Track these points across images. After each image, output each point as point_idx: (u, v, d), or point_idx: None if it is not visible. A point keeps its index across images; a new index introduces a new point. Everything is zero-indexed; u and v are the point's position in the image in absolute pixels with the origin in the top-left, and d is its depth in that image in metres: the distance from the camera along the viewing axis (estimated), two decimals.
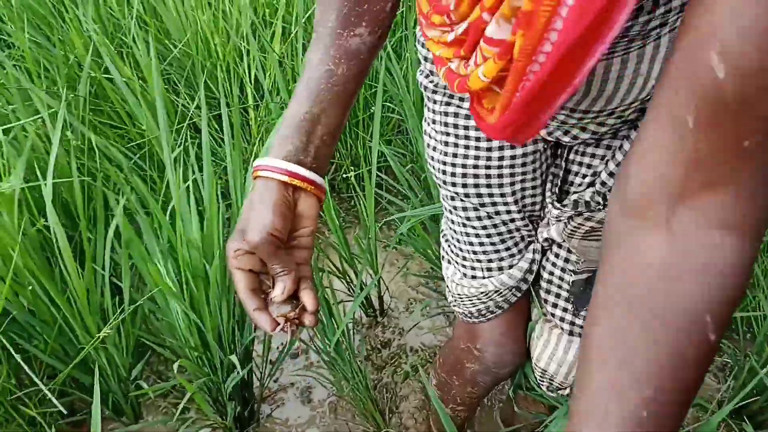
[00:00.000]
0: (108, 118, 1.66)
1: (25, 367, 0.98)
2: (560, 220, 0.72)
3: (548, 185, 0.74)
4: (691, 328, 0.36)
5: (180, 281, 1.09)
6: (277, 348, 1.44)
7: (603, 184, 0.67)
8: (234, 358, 1.05)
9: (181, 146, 1.19)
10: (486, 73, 0.42)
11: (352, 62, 0.57)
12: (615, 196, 0.41)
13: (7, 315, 1.09)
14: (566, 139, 0.67)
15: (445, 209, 0.80)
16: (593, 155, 0.70)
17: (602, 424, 0.37)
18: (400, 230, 1.34)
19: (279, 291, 0.55)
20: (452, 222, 0.80)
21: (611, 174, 0.66)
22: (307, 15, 1.80)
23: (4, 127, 1.26)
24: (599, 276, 0.41)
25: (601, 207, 0.68)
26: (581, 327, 0.80)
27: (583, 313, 0.80)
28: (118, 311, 1.11)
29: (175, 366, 0.96)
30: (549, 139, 0.69)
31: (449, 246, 0.84)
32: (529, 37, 0.37)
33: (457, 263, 0.84)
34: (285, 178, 0.55)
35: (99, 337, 0.99)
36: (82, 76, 1.51)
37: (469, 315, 0.87)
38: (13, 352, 0.97)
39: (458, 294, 0.86)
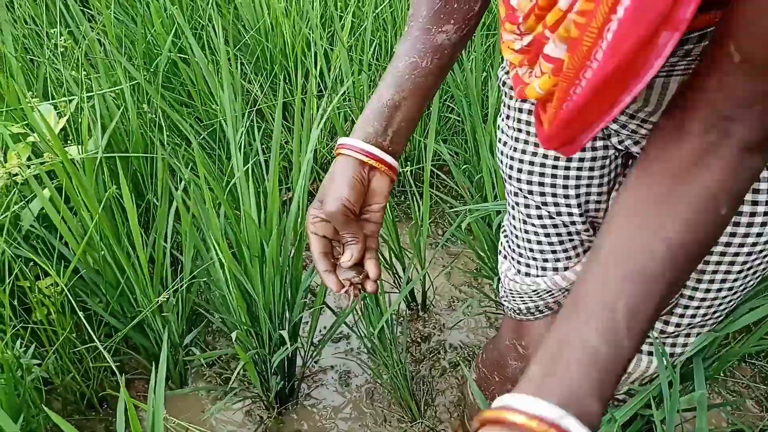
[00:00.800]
0: (180, 96, 1.73)
1: (85, 324, 1.04)
2: None
3: (614, 194, 0.75)
4: (707, 204, 0.43)
5: (237, 256, 1.14)
6: (320, 331, 1.48)
7: None
8: (284, 333, 1.10)
9: (245, 129, 1.23)
10: (541, 86, 0.45)
11: (436, 56, 0.61)
12: (662, 114, 0.46)
13: (76, 273, 1.16)
14: (635, 149, 0.68)
15: (508, 204, 0.83)
16: None
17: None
18: (456, 225, 1.37)
19: (347, 257, 0.61)
20: (513, 218, 0.82)
21: None
22: (378, 10, 1.83)
23: (89, 94, 1.34)
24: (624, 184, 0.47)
25: None
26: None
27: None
28: (177, 280, 1.17)
29: (234, 335, 1.00)
30: (620, 147, 0.70)
31: (507, 241, 0.86)
32: (574, 60, 0.40)
33: (513, 259, 0.85)
34: (362, 158, 0.60)
35: (157, 301, 1.05)
36: (163, 52, 1.58)
37: (518, 311, 0.89)
38: (76, 308, 1.03)
39: (510, 289, 0.87)
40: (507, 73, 0.74)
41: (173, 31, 1.61)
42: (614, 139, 0.69)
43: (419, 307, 1.54)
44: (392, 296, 1.52)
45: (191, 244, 1.13)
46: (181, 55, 1.73)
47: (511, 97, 0.74)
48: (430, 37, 0.61)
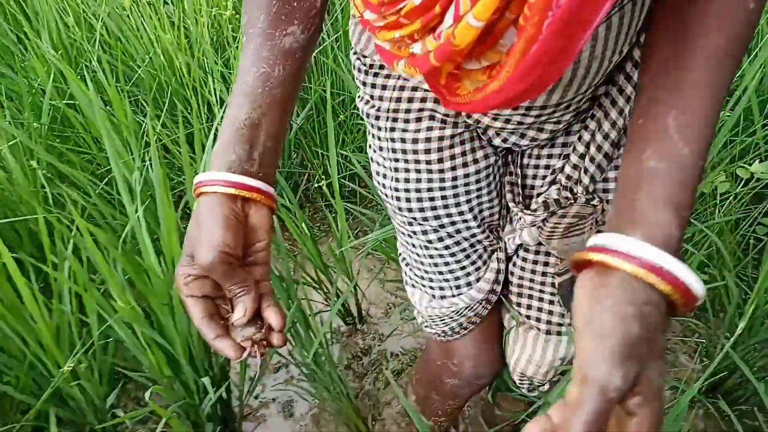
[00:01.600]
0: (74, 144, 1.65)
1: None
2: (535, 225, 0.71)
3: (508, 195, 0.73)
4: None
5: (144, 308, 1.09)
6: (255, 364, 1.43)
7: (568, 177, 0.67)
8: (206, 380, 1.05)
9: (142, 170, 1.18)
10: (479, 15, 0.37)
11: (288, 62, 0.55)
12: None
13: None
14: (524, 142, 0.66)
15: (402, 234, 0.78)
16: (550, 155, 0.69)
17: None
18: (370, 239, 1.34)
19: (240, 313, 0.51)
20: (413, 246, 0.78)
21: (575, 166, 0.66)
22: None
23: None
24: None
25: (572, 201, 0.67)
26: (558, 324, 0.80)
27: None
28: (87, 343, 1.10)
29: (147, 394, 0.95)
30: (505, 145, 0.68)
31: (412, 271, 0.83)
32: None
33: (423, 286, 0.82)
34: (231, 190, 0.51)
35: (63, 372, 0.98)
36: (44, 104, 1.51)
37: (442, 334, 0.86)
38: None
39: (429, 316, 0.84)
40: (368, 102, 0.70)
41: (53, 77, 1.53)
42: (497, 140, 0.67)
43: (356, 320, 1.51)
44: (324, 316, 1.48)
45: (92, 305, 1.07)
46: (71, 101, 1.65)
47: (379, 128, 0.69)
48: (275, 43, 0.55)
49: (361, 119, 1.77)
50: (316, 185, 1.76)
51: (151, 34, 1.79)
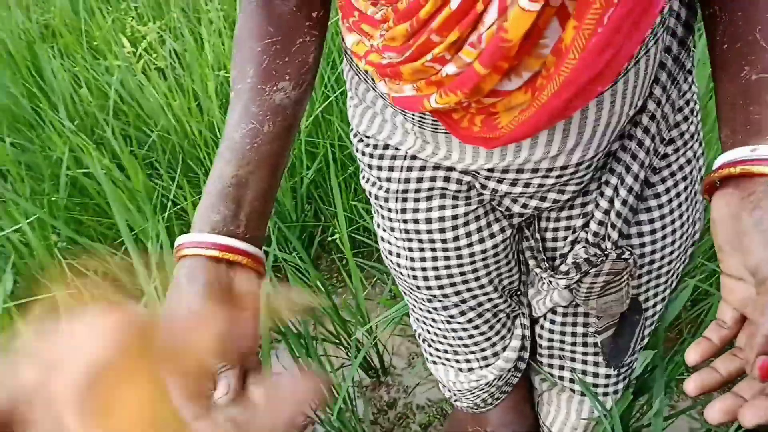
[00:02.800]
0: (93, 213, 1.69)
1: None
2: (570, 288, 0.69)
3: (531, 262, 0.71)
4: None
5: None
6: None
7: (595, 234, 0.65)
8: None
9: (155, 237, 1.20)
10: (519, 27, 0.36)
11: (278, 118, 0.53)
12: None
13: None
14: (545, 205, 0.65)
15: (420, 311, 0.76)
16: (569, 216, 0.67)
17: None
18: (385, 292, 1.34)
19: (222, 391, 0.46)
20: (434, 321, 0.76)
21: (601, 223, 0.64)
22: None
23: None
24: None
25: (604, 258, 0.64)
26: (593, 385, 0.77)
27: (630, 359, 0.76)
28: None
29: None
30: (525, 211, 0.66)
31: (431, 347, 0.81)
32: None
33: (447, 360, 0.80)
34: (215, 253, 0.47)
35: None
36: (61, 177, 1.55)
37: (474, 407, 0.84)
38: None
39: (458, 390, 0.82)
40: (374, 184, 0.68)
41: (68, 149, 1.58)
42: (516, 208, 0.65)
43: (378, 372, 1.50)
44: (347, 370, 1.47)
45: None
46: (86, 170, 1.69)
47: (389, 210, 0.67)
48: (265, 98, 0.52)
49: None
50: (330, 238, 1.77)
51: (161, 100, 1.84)
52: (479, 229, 0.66)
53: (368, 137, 0.66)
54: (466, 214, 0.65)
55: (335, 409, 1.19)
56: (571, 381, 0.78)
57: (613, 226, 0.64)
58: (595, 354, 0.76)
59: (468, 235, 0.66)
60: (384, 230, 0.71)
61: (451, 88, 0.42)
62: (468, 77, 0.40)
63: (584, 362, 0.77)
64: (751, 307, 0.40)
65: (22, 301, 1.17)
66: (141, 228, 1.45)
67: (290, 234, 1.37)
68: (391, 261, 0.72)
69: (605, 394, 0.77)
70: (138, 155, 1.82)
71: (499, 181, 0.61)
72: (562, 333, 0.76)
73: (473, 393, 0.81)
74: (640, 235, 0.66)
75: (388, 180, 0.66)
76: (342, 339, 1.43)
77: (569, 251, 0.68)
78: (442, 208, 0.65)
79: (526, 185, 0.61)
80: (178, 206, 1.73)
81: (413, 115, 0.57)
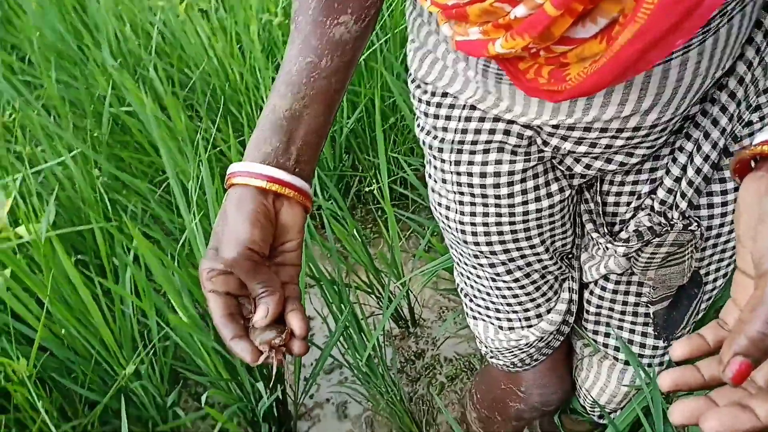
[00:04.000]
0: (134, 151, 1.71)
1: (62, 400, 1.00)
2: (627, 256, 0.66)
3: (589, 226, 0.67)
4: None
5: (201, 312, 1.11)
6: (311, 364, 1.45)
7: (662, 202, 0.61)
8: (260, 385, 1.06)
9: (196, 178, 1.20)
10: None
11: (337, 53, 0.52)
12: None
13: (45, 350, 1.13)
14: (611, 167, 0.61)
15: (466, 266, 0.74)
16: (635, 181, 0.63)
17: None
18: (422, 245, 1.33)
19: (261, 315, 0.47)
20: (478, 277, 0.74)
21: (670, 190, 0.60)
22: None
23: (34, 170, 1.31)
24: None
25: (669, 228, 0.61)
26: (639, 356, 0.75)
27: (682, 332, 0.73)
28: (149, 346, 1.14)
29: (203, 398, 0.97)
30: (588, 172, 0.62)
31: (473, 302, 0.79)
32: None
33: (488, 317, 0.77)
34: (263, 184, 0.48)
35: (125, 373, 1.01)
36: (104, 114, 1.56)
37: (510, 365, 0.82)
38: (49, 386, 0.99)
39: (496, 347, 0.80)
40: (429, 133, 0.65)
41: (110, 86, 1.59)
42: (578, 168, 0.62)
43: (408, 323, 1.51)
44: (377, 319, 1.48)
45: (152, 311, 1.10)
46: (128, 108, 1.71)
47: (442, 161, 0.64)
48: (325, 31, 0.51)
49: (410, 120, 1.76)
50: (367, 188, 1.76)
51: (204, 41, 1.83)
52: (536, 188, 0.63)
53: (427, 83, 0.63)
54: (524, 170, 0.62)
55: (364, 356, 1.20)
56: (616, 349, 0.76)
57: (683, 195, 0.59)
58: (645, 324, 0.73)
59: (524, 192, 0.63)
60: (435, 181, 0.68)
61: (518, 31, 0.39)
62: (538, 20, 0.38)
63: (632, 332, 0.74)
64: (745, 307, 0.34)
65: (64, 231, 1.20)
66: (181, 169, 1.46)
67: (329, 181, 1.37)
68: (440, 213, 0.69)
69: (649, 365, 0.75)
70: (178, 96, 1.82)
71: (563, 138, 0.58)
72: (613, 301, 0.73)
73: (511, 352, 0.79)
74: (710, 206, 0.62)
75: (444, 130, 0.62)
76: (374, 289, 1.44)
77: (631, 218, 0.64)
78: (498, 162, 0.61)
79: (592, 145, 0.57)
80: (218, 148, 1.73)
81: (477, 62, 0.55)
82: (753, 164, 0.39)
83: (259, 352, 0.47)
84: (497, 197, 0.63)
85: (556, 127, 0.56)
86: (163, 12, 1.96)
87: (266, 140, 0.50)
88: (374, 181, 1.75)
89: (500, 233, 0.66)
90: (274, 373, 0.50)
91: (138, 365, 1.11)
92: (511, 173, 0.62)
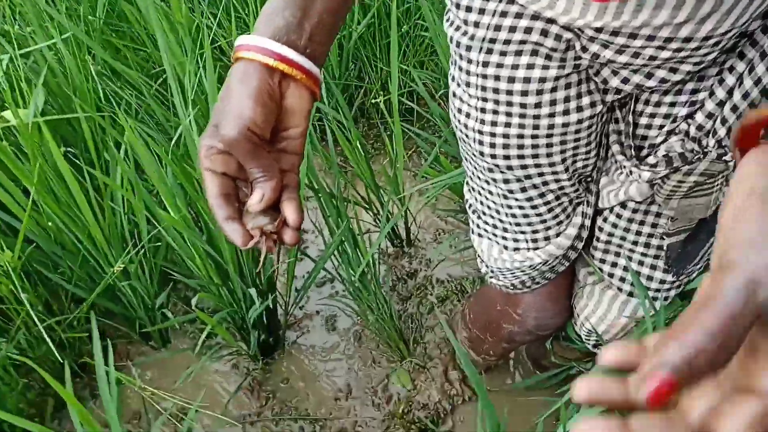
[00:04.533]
0: (130, 40, 1.62)
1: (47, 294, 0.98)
2: (652, 182, 0.62)
3: (615, 147, 0.63)
4: None
5: (194, 214, 1.08)
6: (302, 276, 1.44)
7: (699, 127, 0.56)
8: (253, 291, 1.05)
9: (194, 74, 1.14)
10: None
11: None
12: None
13: (32, 243, 1.10)
14: (650, 83, 0.55)
15: (479, 180, 0.70)
16: (673, 103, 0.58)
17: None
18: (430, 159, 1.29)
19: (257, 198, 0.46)
20: (489, 193, 0.70)
21: (710, 115, 0.55)
22: None
23: (22, 51, 1.23)
24: None
25: (701, 155, 0.57)
26: (645, 288, 0.73)
27: (693, 268, 0.70)
28: (138, 245, 1.11)
29: (194, 301, 0.96)
30: (624, 87, 0.57)
31: (481, 219, 0.75)
32: None
33: (494, 235, 0.74)
34: (270, 60, 0.45)
35: (114, 270, 0.99)
36: None
37: (510, 287, 0.80)
38: (36, 280, 0.98)
39: (497, 267, 0.77)
40: (458, 28, 0.59)
41: None
42: (614, 81, 0.56)
43: (403, 243, 1.49)
44: (373, 236, 1.46)
45: (142, 208, 1.06)
46: None
47: (469, 60, 0.59)
48: None
49: (426, 32, 1.66)
50: (372, 101, 1.69)
51: None
52: (566, 99, 0.58)
53: None
54: (557, 78, 0.57)
55: (358, 272, 1.18)
56: (621, 279, 0.74)
57: (724, 121, 0.54)
58: (655, 257, 0.70)
59: (552, 103, 0.58)
60: (458, 84, 0.63)
61: None
62: None
63: (641, 263, 0.71)
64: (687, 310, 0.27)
65: (52, 118, 1.14)
66: (179, 62, 1.38)
67: (335, 88, 1.30)
68: (459, 120, 0.65)
69: (654, 299, 0.73)
70: None
71: (605, 45, 0.52)
72: (626, 230, 0.69)
73: (513, 273, 0.77)
74: None
75: (476, 25, 0.57)
76: (372, 205, 1.40)
77: (662, 142, 0.60)
78: (530, 67, 0.56)
79: (635, 55, 0.52)
80: (217, 44, 1.64)
81: None
82: (763, 134, 0.32)
83: (250, 236, 0.47)
84: (522, 105, 0.59)
85: (599, 30, 0.51)
86: None
87: (279, 13, 0.46)
88: (380, 93, 1.67)
89: (520, 146, 0.61)
90: (262, 258, 0.49)
91: (127, 264, 1.09)
92: (542, 80, 0.57)
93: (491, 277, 0.81)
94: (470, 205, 0.77)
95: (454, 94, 0.64)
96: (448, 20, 0.61)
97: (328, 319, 1.37)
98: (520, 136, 0.61)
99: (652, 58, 0.51)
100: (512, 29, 0.55)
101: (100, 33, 1.45)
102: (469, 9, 0.57)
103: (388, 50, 1.61)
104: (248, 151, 0.45)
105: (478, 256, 0.80)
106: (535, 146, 0.61)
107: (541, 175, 0.64)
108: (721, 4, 0.45)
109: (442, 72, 1.61)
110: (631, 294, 0.75)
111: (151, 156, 1.00)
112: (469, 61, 0.59)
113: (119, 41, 1.56)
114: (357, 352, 1.32)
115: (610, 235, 0.72)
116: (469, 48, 0.59)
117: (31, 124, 1.02)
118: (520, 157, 0.62)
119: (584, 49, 0.54)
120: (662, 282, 0.72)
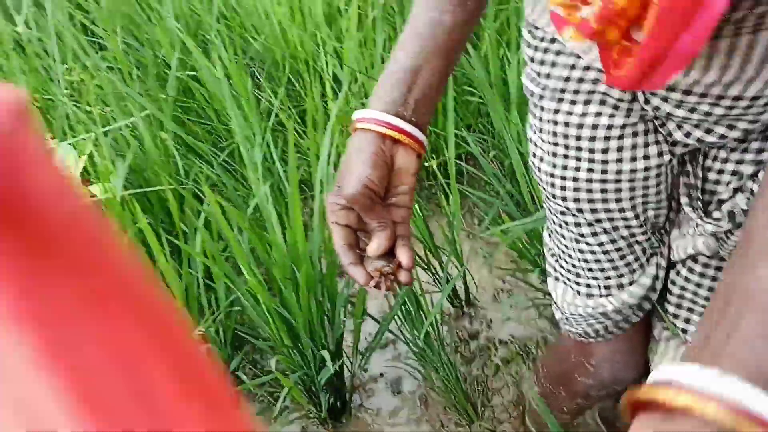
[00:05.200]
0: (196, 115, 1.71)
1: None
2: (716, 236, 0.64)
3: (684, 199, 0.65)
4: None
5: (268, 280, 1.11)
6: (366, 338, 1.45)
7: None
8: (326, 353, 1.07)
9: (263, 144, 1.20)
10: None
11: (458, 10, 0.56)
12: None
13: None
14: (710, 139, 0.58)
15: (553, 223, 0.74)
16: (740, 161, 0.60)
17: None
18: (489, 218, 1.31)
19: (374, 246, 0.55)
20: (563, 237, 0.73)
21: None
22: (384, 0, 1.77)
23: (104, 129, 1.32)
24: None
25: None
26: None
27: None
28: (214, 308, 1.15)
29: (273, 362, 0.98)
30: (687, 141, 0.60)
31: (558, 262, 0.78)
32: None
33: (568, 280, 0.76)
34: (382, 129, 0.54)
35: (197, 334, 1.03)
36: (170, 76, 1.56)
37: (584, 335, 0.80)
38: None
39: (571, 313, 0.78)
40: (534, 80, 0.65)
41: (179, 48, 1.59)
42: (678, 134, 0.60)
43: (463, 303, 1.50)
44: (433, 296, 1.48)
45: (220, 274, 1.11)
46: (191, 73, 1.71)
47: (542, 108, 0.65)
48: None
49: (474, 92, 1.73)
50: (425, 164, 1.74)
51: (267, 7, 1.81)
52: (633, 146, 0.61)
53: (537, 28, 0.63)
54: (624, 126, 0.60)
55: (422, 331, 1.20)
56: None
57: None
58: None
59: (620, 149, 0.61)
60: (534, 132, 0.68)
61: (581, 29, 0.43)
62: (588, 24, 0.42)
63: None
64: None
65: (138, 192, 1.21)
66: (245, 135, 1.46)
67: None
68: (534, 164, 0.70)
69: None
70: (240, 63, 1.82)
71: (664, 99, 0.56)
72: (698, 285, 0.70)
73: (587, 320, 0.78)
74: None
75: (547, 76, 0.62)
76: (431, 266, 1.43)
77: (729, 198, 0.62)
78: (598, 115, 0.60)
79: (691, 110, 0.55)
80: (278, 119, 1.73)
81: None
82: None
83: (370, 277, 0.56)
84: (591, 151, 0.62)
85: None
86: None
87: (387, 91, 0.55)
88: (433, 156, 1.73)
89: (589, 190, 0.65)
90: (383, 292, 0.60)
91: (206, 329, 1.12)
92: (609, 127, 0.61)
93: (565, 324, 0.82)
94: (549, 249, 0.80)
95: (530, 140, 0.69)
96: (526, 75, 0.67)
97: (393, 382, 1.38)
98: (589, 180, 0.64)
99: (707, 114, 0.54)
100: (581, 80, 0.60)
101: (171, 110, 1.54)
102: (542, 62, 0.63)
103: (445, 118, 1.67)
104: (366, 206, 0.54)
105: (554, 301, 0.82)
106: (603, 191, 0.64)
107: (611, 219, 0.67)
108: (764, 68, 0.48)
109: (489, 133, 1.66)
110: None
111: (228, 224, 1.06)
112: (542, 109, 0.64)
113: (185, 116, 1.65)
114: (424, 415, 1.31)
115: (683, 289, 0.72)
116: (542, 97, 0.64)
117: (120, 197, 1.08)
118: (590, 201, 0.65)
119: (647, 101, 0.58)
120: None
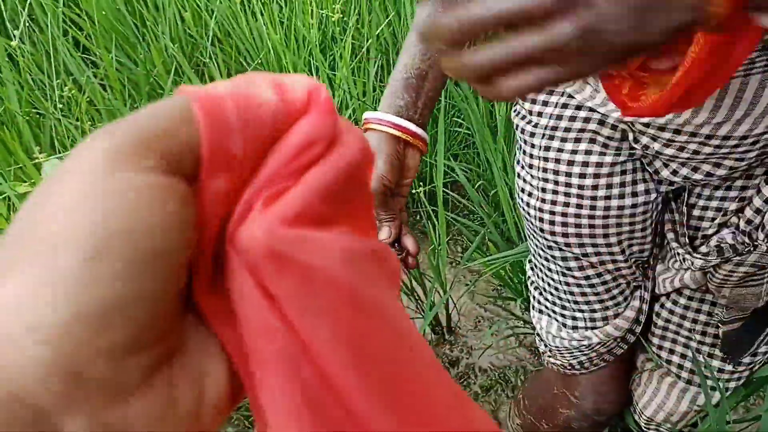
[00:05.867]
0: None
1: None
2: (704, 270, 0.66)
3: (670, 235, 0.67)
4: None
5: None
6: None
7: (748, 222, 0.60)
8: None
9: None
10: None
11: None
12: None
13: None
14: (696, 177, 0.60)
15: (539, 257, 0.75)
16: (723, 198, 0.62)
17: None
18: (473, 247, 1.33)
19: (385, 235, 0.61)
20: (549, 270, 0.74)
21: (758, 210, 0.59)
22: (378, 30, 1.81)
23: None
24: None
25: (751, 248, 0.61)
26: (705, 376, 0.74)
27: (746, 359, 0.73)
28: None
29: None
30: (674, 179, 0.62)
31: (542, 295, 0.79)
32: None
33: (553, 313, 0.78)
34: (397, 133, 0.60)
35: None
36: (164, 96, 1.58)
37: (568, 367, 0.81)
38: None
39: (555, 346, 0.80)
40: (524, 118, 0.67)
41: (173, 70, 1.61)
42: (665, 172, 0.62)
43: (444, 330, 1.50)
44: (416, 322, 1.48)
45: None
46: None
47: (533, 145, 0.67)
48: None
49: (461, 124, 1.76)
50: (412, 191, 1.76)
51: (263, 33, 1.85)
52: (622, 184, 0.63)
53: None
54: (613, 164, 0.63)
55: None
56: (679, 367, 0.75)
57: None
58: (712, 345, 0.72)
59: (608, 186, 0.63)
60: (522, 167, 0.70)
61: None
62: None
63: (698, 351, 0.73)
64: None
65: None
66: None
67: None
68: (522, 199, 0.71)
69: (713, 389, 0.74)
70: None
71: (653, 138, 0.58)
72: (683, 317, 0.72)
73: (571, 353, 0.79)
74: None
75: (539, 114, 0.64)
76: (414, 292, 1.44)
77: (714, 233, 0.64)
78: (588, 153, 0.63)
79: (680, 149, 0.57)
80: None
81: None
82: None
83: None
84: (580, 188, 0.64)
85: (647, 125, 0.57)
86: (222, 0, 1.98)
87: (398, 95, 0.61)
88: (420, 183, 1.75)
89: (578, 225, 0.66)
90: None
91: None
92: (599, 165, 0.63)
93: (549, 357, 0.83)
94: (532, 282, 0.81)
95: (518, 175, 0.71)
96: (514, 110, 0.69)
97: None
98: (578, 216, 0.66)
99: (696, 152, 0.57)
100: (572, 119, 0.62)
101: None
102: (534, 101, 0.65)
103: (434, 146, 1.70)
104: (382, 201, 0.60)
105: (537, 333, 0.83)
106: (591, 226, 0.66)
107: (597, 254, 0.68)
108: (754, 108, 0.50)
109: (475, 163, 1.69)
110: (689, 382, 0.76)
111: None
112: (533, 146, 0.66)
113: None
114: None
115: (667, 321, 0.74)
116: (533, 134, 0.66)
117: None
118: (578, 235, 0.67)
119: (636, 140, 0.60)
120: (720, 371, 0.73)
